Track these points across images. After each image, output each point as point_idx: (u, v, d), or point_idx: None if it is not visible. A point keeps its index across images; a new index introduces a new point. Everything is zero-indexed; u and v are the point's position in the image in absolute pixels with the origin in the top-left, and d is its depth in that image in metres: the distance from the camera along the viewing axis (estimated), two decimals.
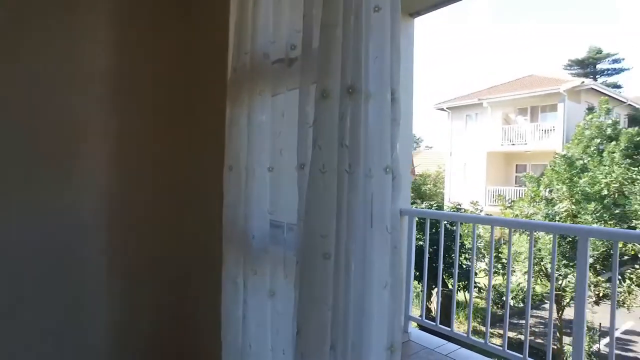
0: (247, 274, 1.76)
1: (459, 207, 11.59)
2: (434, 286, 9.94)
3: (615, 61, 41.56)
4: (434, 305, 10.35)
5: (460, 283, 10.61)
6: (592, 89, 20.65)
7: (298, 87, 1.45)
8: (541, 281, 10.77)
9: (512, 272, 11.57)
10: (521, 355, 2.54)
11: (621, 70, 41.70)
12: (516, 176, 23.08)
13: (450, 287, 10.59)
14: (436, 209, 11.20)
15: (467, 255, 10.66)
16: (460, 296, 11.92)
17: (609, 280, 8.96)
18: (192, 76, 2.75)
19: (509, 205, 11.52)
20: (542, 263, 10.00)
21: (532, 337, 12.47)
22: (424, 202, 12.15)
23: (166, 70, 2.76)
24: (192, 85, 2.75)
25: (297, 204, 1.38)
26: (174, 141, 2.78)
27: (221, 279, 1.92)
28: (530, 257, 2.59)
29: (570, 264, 8.87)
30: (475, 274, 11.50)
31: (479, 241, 11.58)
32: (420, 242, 6.11)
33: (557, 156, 10.68)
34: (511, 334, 11.99)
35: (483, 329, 12.73)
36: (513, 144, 21.71)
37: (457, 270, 3.66)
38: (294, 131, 1.44)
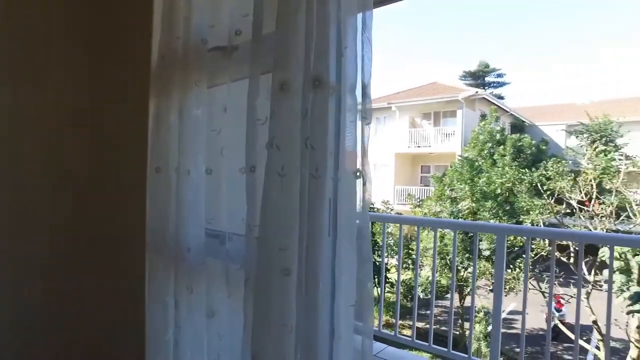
0: (180, 291, 1.52)
1: (371, 206, 12.01)
2: None
3: (499, 75, 46.97)
4: None
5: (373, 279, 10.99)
6: (484, 98, 22.95)
7: (245, 78, 1.27)
8: (446, 274, 11.61)
9: (421, 267, 12.33)
10: (426, 344, 2.87)
11: (503, 83, 47.21)
12: (421, 176, 24.79)
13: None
14: None
15: (379, 252, 11.05)
16: (374, 292, 12.35)
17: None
18: (105, 63, 2.38)
19: (418, 204, 12.25)
20: (447, 257, 10.78)
21: (437, 326, 13.43)
22: None
23: (70, 56, 2.35)
24: (105, 74, 2.38)
25: (245, 211, 1.21)
26: (82, 140, 2.39)
27: (145, 298, 1.66)
28: (434, 253, 2.74)
29: (472, 257, 9.71)
30: (388, 269, 12.13)
31: (389, 239, 12.12)
32: None
33: (460, 158, 11.60)
34: (420, 324, 12.77)
35: (394, 321, 13.36)
36: (419, 146, 23.23)
37: (383, 268, 3.73)
38: (239, 129, 1.25)
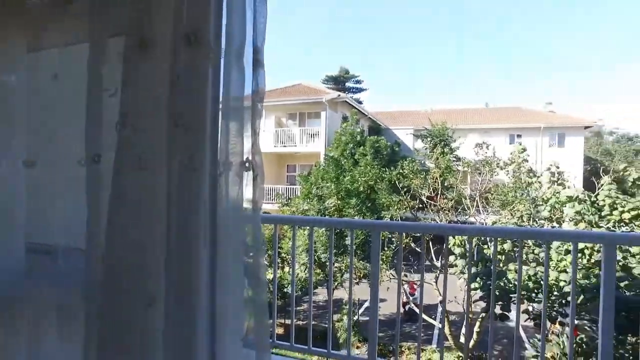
0: None
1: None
2: None
3: (357, 82, 51.06)
4: None
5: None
6: (346, 101, 24.46)
7: (85, 41, 0.91)
8: (315, 270, 11.97)
9: (290, 265, 12.47)
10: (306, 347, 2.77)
11: (361, 89, 51.42)
12: (287, 175, 25.26)
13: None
14: None
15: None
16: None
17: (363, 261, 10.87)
18: None
19: (286, 202, 12.34)
20: (316, 254, 11.08)
21: (313, 322, 13.74)
22: None
23: None
24: None
25: (87, 217, 0.86)
26: None
27: None
28: (311, 252, 2.67)
29: (339, 252, 10.19)
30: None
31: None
32: None
33: (326, 157, 12.02)
34: (295, 322, 12.86)
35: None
36: (285, 146, 23.58)
37: (276, 272, 3.53)
38: (77, 104, 0.89)
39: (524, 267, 6.83)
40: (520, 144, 9.97)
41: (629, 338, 5.59)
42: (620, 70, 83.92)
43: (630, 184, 8.47)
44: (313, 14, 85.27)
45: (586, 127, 34.74)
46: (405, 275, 12.38)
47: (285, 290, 12.43)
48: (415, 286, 13.85)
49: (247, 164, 0.80)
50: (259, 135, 0.81)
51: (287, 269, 12.92)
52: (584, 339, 8.20)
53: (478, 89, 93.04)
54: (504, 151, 14.85)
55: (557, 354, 9.37)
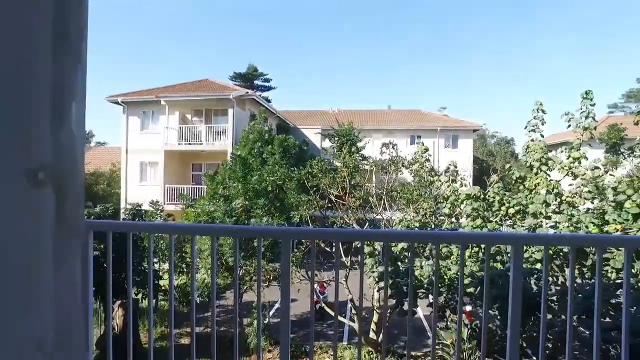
0: None
1: (138, 208, 10.63)
2: (115, 300, 8.78)
3: (266, 80, 50.62)
4: (118, 321, 9.08)
5: (141, 290, 9.81)
6: (254, 99, 23.88)
7: None
8: (222, 274, 11.36)
9: (197, 270, 11.71)
10: None
11: (270, 88, 51.10)
12: (193, 174, 23.97)
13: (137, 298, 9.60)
14: (112, 212, 9.86)
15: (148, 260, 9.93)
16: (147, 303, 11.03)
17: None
18: None
19: (191, 203, 11.54)
20: (223, 258, 10.51)
21: (217, 327, 13.06)
22: (98, 206, 10.52)
23: None
24: None
25: None
26: None
27: None
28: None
29: (248, 254, 9.76)
30: (161, 277, 11.01)
31: (161, 242, 11.11)
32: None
33: (233, 156, 11.45)
34: (199, 329, 12.11)
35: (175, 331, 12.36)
36: (190, 144, 22.33)
37: (172, 281, 3.02)
38: None
39: (429, 262, 7.11)
40: (423, 144, 10.43)
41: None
42: (497, 80, 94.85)
43: (513, 181, 9.30)
44: (222, 9, 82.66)
45: (474, 131, 38.41)
46: (315, 275, 12.35)
47: (190, 297, 11.64)
48: (325, 285, 13.93)
49: (40, 176, 0.45)
50: (71, 125, 0.46)
51: (200, 273, 12.11)
52: (479, 325, 8.89)
53: (382, 90, 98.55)
54: (406, 151, 15.64)
55: (456, 339, 10.08)
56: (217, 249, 10.02)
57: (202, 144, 22.22)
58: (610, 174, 9.87)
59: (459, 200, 7.36)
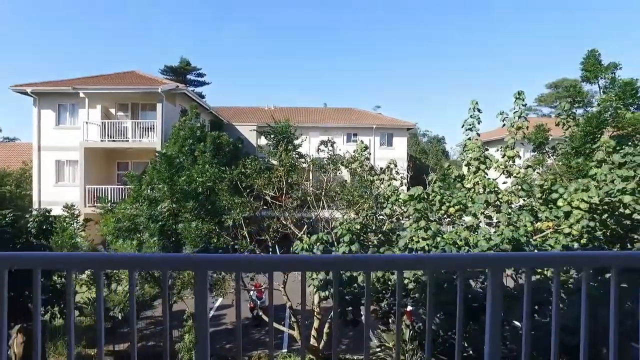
0: None
1: (47, 213, 9.24)
2: (12, 324, 7.51)
3: (199, 75, 48.42)
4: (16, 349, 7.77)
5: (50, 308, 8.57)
6: (185, 94, 22.43)
7: None
8: (149, 283, 10.33)
9: (119, 282, 10.53)
10: None
11: (204, 83, 48.98)
12: (118, 174, 22.04)
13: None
14: (11, 220, 8.42)
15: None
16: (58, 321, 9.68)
17: None
18: None
19: (111, 207, 10.31)
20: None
21: (145, 342, 11.92)
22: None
23: None
24: None
25: None
26: None
27: None
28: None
29: None
30: (77, 291, 9.72)
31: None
32: None
33: (158, 154, 10.40)
34: (123, 346, 10.95)
35: (91, 351, 11.10)
36: (114, 140, 20.47)
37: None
38: None
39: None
40: (362, 142, 10.13)
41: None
42: (429, 80, 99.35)
43: (452, 180, 9.28)
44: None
45: (408, 129, 39.57)
46: (251, 279, 11.65)
47: (111, 313, 10.44)
48: (263, 290, 13.25)
49: None
50: None
51: (113, 285, 10.90)
52: (420, 325, 8.78)
53: (318, 89, 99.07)
54: (342, 149, 15.34)
55: (396, 341, 9.95)
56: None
57: (128, 140, 20.47)
58: (537, 172, 10.27)
59: (403, 201, 7.10)
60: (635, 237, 8.09)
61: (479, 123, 9.95)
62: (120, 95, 20.97)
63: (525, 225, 7.03)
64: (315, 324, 9.77)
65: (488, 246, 6.43)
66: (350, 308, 6.13)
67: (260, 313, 12.86)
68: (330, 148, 10.71)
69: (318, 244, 6.81)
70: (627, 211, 6.93)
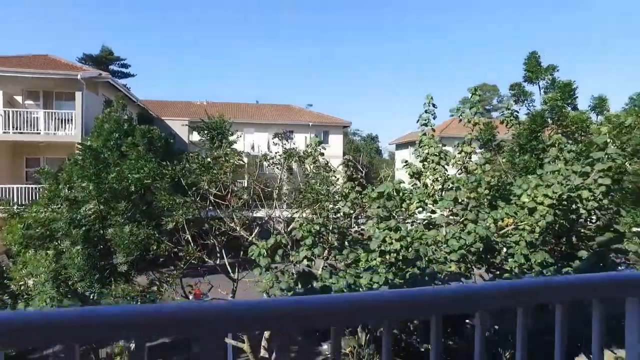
0: None
1: None
2: None
3: (124, 66, 44.73)
4: None
5: None
6: (110, 83, 20.23)
7: None
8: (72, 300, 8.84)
9: (30, 298, 8.86)
10: None
11: (129, 75, 45.37)
12: (27, 172, 19.29)
13: None
14: None
15: None
16: None
17: None
18: None
19: (18, 210, 8.63)
20: (70, 282, 8.01)
21: None
22: None
23: None
24: None
25: None
26: None
27: None
28: None
29: (105, 274, 7.49)
30: None
31: None
32: None
33: (82, 147, 8.89)
34: None
35: None
36: (21, 132, 17.83)
37: None
38: None
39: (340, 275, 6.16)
40: (316, 137, 9.51)
41: None
42: (359, 80, 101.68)
43: (410, 176, 9.00)
44: None
45: (344, 127, 39.75)
46: (191, 286, 10.50)
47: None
48: (202, 296, 12.08)
49: None
50: None
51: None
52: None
53: (249, 84, 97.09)
54: (276, 146, 14.52)
55: (354, 346, 9.51)
56: (59, 270, 7.48)
57: (39, 133, 17.95)
58: (489, 169, 10.37)
59: (370, 199, 6.57)
60: (582, 230, 8.35)
61: (434, 118, 9.79)
62: (30, 81, 18.32)
63: (489, 223, 6.86)
64: (267, 333, 8.97)
65: (459, 245, 6.13)
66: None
67: None
68: (286, 142, 9.91)
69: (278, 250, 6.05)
70: (582, 205, 7.06)
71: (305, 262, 6.36)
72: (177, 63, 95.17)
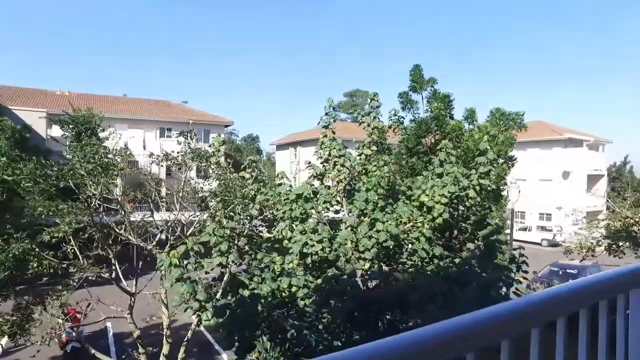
0: None
1: None
2: None
3: None
4: None
5: None
6: None
7: None
8: None
9: None
10: None
11: None
12: None
13: None
14: None
15: None
16: None
17: None
18: None
19: None
20: None
21: None
22: None
23: None
24: None
25: None
26: None
27: None
28: None
29: None
30: None
31: None
32: None
33: None
34: None
35: None
36: None
37: None
38: None
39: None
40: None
41: None
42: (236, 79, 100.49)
43: (314, 177, 9.17)
44: None
45: (226, 126, 38.80)
46: (66, 306, 9.06)
47: None
48: (79, 315, 10.51)
49: None
50: None
51: None
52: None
53: (113, 77, 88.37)
54: (156, 145, 13.62)
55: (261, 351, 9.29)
56: None
57: None
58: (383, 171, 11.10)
59: (290, 201, 6.46)
60: (464, 225, 9.47)
61: (334, 121, 10.11)
62: None
63: (394, 221, 7.33)
64: (165, 348, 8.20)
65: (372, 244, 6.41)
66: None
67: (78, 345, 10.20)
68: (190, 140, 9.13)
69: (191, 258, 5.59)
70: (467, 203, 8.01)
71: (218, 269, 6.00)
72: (27, 47, 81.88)
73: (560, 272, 15.02)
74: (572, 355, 1.07)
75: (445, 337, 0.78)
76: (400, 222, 7.37)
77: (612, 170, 39.41)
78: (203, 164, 8.38)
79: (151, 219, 9.24)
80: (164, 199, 9.39)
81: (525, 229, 32.36)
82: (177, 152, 8.63)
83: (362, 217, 7.21)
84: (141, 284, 8.25)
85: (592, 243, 13.64)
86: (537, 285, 13.17)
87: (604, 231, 14.58)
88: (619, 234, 12.76)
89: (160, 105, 36.04)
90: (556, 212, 32.90)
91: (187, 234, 7.97)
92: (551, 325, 1.00)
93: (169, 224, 8.16)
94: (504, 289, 6.26)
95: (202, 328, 9.76)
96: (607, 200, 26.07)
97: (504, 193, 13.31)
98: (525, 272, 7.03)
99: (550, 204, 33.80)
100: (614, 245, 12.72)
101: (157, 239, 8.13)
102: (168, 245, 7.90)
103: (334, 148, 9.14)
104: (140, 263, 8.44)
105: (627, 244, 12.85)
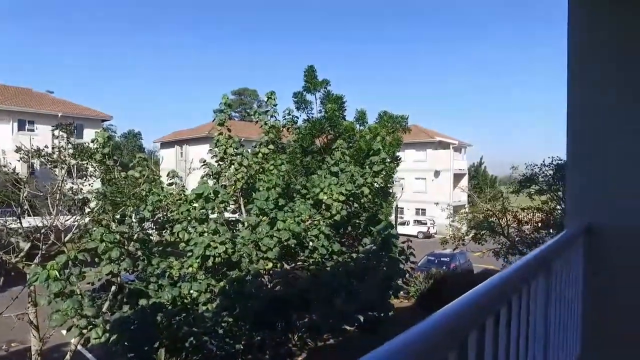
0: None
1: None
2: None
3: None
4: None
5: None
6: None
7: None
8: None
9: None
10: None
11: None
12: None
13: None
14: None
15: None
16: None
17: None
18: None
19: None
20: None
21: None
22: None
23: None
24: None
25: None
26: None
27: None
28: None
29: None
30: None
31: None
32: None
33: None
34: None
35: None
36: None
37: None
38: None
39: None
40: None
41: None
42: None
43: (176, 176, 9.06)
44: None
45: (103, 121, 35.20)
46: None
47: None
48: None
49: None
50: None
51: None
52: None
53: None
54: (12, 140, 11.81)
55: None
56: None
57: None
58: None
59: (188, 201, 6.08)
60: (357, 221, 10.01)
61: (230, 119, 9.91)
62: None
63: (293, 219, 7.43)
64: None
65: (274, 243, 6.39)
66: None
67: None
68: (68, 135, 7.91)
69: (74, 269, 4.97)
70: (362, 201, 8.49)
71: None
72: None
73: (436, 261, 17.38)
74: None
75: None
76: (301, 220, 7.50)
77: (472, 169, 45.24)
78: (85, 162, 7.39)
79: (13, 225, 7.91)
80: (31, 202, 8.10)
81: (404, 223, 35.40)
82: (54, 148, 7.48)
83: (262, 217, 7.16)
84: (1, 305, 6.98)
85: (462, 233, 15.78)
86: (418, 274, 14.63)
87: (471, 222, 16.92)
88: (482, 225, 14.85)
89: (18, 93, 31.09)
90: (430, 207, 36.84)
91: (65, 241, 6.97)
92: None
93: (43, 230, 7.01)
94: (400, 280, 6.80)
95: (80, 347, 8.67)
96: (469, 196, 29.98)
97: (391, 190, 14.42)
98: (414, 262, 7.73)
99: (424, 200, 37.89)
100: (478, 235, 14.85)
101: (25, 250, 6.92)
102: (39, 255, 6.82)
103: (231, 146, 8.93)
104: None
105: (487, 232, 15.04)
